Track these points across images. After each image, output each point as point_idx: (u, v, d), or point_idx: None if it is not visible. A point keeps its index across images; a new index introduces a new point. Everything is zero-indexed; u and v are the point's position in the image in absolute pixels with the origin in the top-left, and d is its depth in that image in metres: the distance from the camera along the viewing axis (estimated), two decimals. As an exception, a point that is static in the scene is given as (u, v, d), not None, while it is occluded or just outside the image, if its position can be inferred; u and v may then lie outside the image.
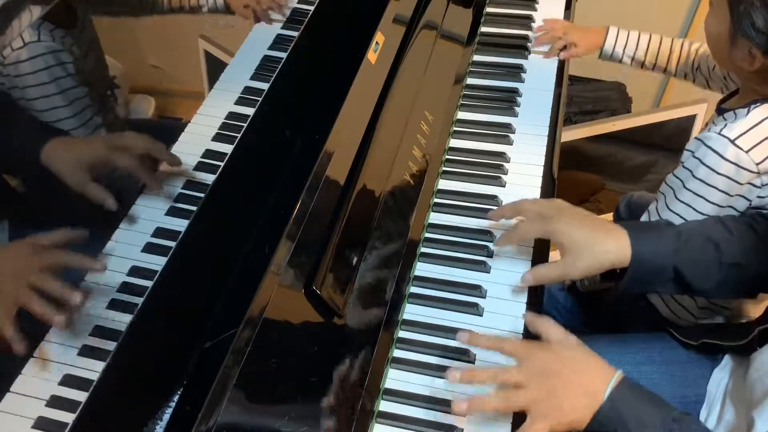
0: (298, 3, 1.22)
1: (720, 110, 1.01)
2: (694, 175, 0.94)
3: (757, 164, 0.90)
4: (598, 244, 0.83)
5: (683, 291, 0.89)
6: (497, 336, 0.80)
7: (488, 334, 0.80)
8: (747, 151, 0.90)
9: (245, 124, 0.98)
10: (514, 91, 1.17)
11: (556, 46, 1.23)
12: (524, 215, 0.88)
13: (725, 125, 0.92)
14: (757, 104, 0.93)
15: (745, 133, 0.90)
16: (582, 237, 0.83)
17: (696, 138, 0.95)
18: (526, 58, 1.24)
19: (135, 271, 0.81)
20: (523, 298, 0.88)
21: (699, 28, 1.80)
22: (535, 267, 0.87)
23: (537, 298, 0.88)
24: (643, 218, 1.02)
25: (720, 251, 0.86)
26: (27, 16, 0.83)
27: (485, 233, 0.95)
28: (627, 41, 1.24)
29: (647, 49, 1.24)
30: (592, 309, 1.18)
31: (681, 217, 0.95)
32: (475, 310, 0.86)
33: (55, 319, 0.71)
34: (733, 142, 0.90)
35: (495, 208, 0.97)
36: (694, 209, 0.94)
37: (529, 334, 0.82)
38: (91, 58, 0.93)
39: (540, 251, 0.92)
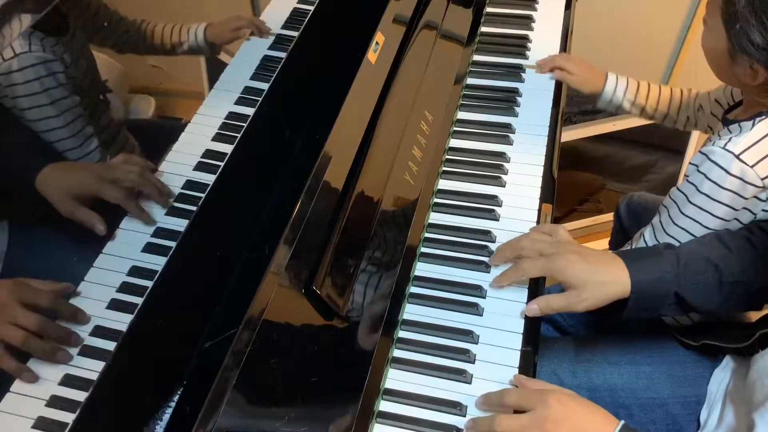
0: (298, 3, 1.22)
1: (725, 121, 1.00)
2: (698, 190, 0.93)
3: (762, 179, 0.89)
4: (601, 278, 0.84)
5: (688, 312, 0.90)
6: (498, 392, 0.77)
7: (489, 393, 0.77)
8: (752, 166, 0.89)
9: (245, 124, 0.98)
10: (514, 91, 1.17)
11: (552, 64, 1.20)
12: (523, 254, 0.88)
13: (729, 139, 0.91)
14: (762, 117, 0.92)
15: (749, 147, 0.89)
16: (582, 273, 0.84)
17: (700, 152, 0.94)
18: (527, 58, 1.24)
19: (135, 271, 0.81)
20: (524, 298, 0.88)
21: (698, 29, 1.80)
22: (542, 297, 0.86)
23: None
24: (647, 232, 1.01)
25: (720, 271, 0.86)
26: (17, 24, 0.82)
27: (485, 233, 0.95)
28: (627, 85, 1.21)
29: (648, 94, 1.21)
30: (593, 310, 1.18)
31: (686, 231, 0.95)
32: (475, 310, 0.86)
33: (59, 357, 0.72)
34: (737, 157, 0.89)
35: (495, 208, 0.98)
36: (699, 223, 0.94)
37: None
38: (82, 63, 0.93)
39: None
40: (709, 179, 0.91)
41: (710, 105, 1.14)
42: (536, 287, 0.89)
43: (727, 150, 0.90)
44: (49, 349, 0.72)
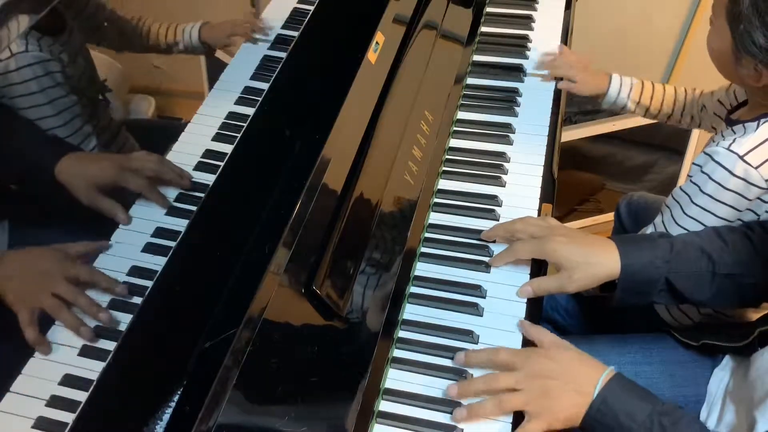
0: (298, 3, 1.22)
1: (729, 121, 1.00)
2: (702, 191, 0.93)
3: (766, 180, 0.89)
4: (591, 259, 0.85)
5: (678, 301, 0.90)
6: (489, 349, 0.81)
7: (481, 349, 0.81)
8: (756, 167, 0.89)
9: (245, 124, 0.98)
10: (514, 91, 1.17)
11: (553, 73, 1.20)
12: (516, 236, 0.90)
13: (734, 140, 0.91)
14: (767, 119, 0.92)
15: (754, 148, 0.89)
16: (574, 253, 0.85)
17: (704, 152, 0.94)
18: (527, 57, 1.24)
19: (135, 271, 0.81)
20: (523, 298, 0.88)
21: (698, 29, 1.80)
22: (534, 279, 0.88)
23: (537, 299, 0.88)
24: (649, 231, 1.01)
25: (713, 262, 0.86)
26: (15, 25, 0.82)
27: (485, 233, 0.95)
28: (632, 86, 1.20)
29: (652, 94, 1.21)
30: (592, 310, 1.18)
31: (688, 231, 0.95)
32: (475, 310, 0.86)
33: (84, 333, 0.74)
34: (742, 158, 0.89)
35: (495, 208, 0.98)
36: (701, 224, 0.94)
37: (528, 341, 0.83)
38: (80, 62, 0.93)
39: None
40: (713, 180, 0.91)
41: (713, 105, 1.14)
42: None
43: (731, 151, 0.90)
44: (77, 323, 0.75)
